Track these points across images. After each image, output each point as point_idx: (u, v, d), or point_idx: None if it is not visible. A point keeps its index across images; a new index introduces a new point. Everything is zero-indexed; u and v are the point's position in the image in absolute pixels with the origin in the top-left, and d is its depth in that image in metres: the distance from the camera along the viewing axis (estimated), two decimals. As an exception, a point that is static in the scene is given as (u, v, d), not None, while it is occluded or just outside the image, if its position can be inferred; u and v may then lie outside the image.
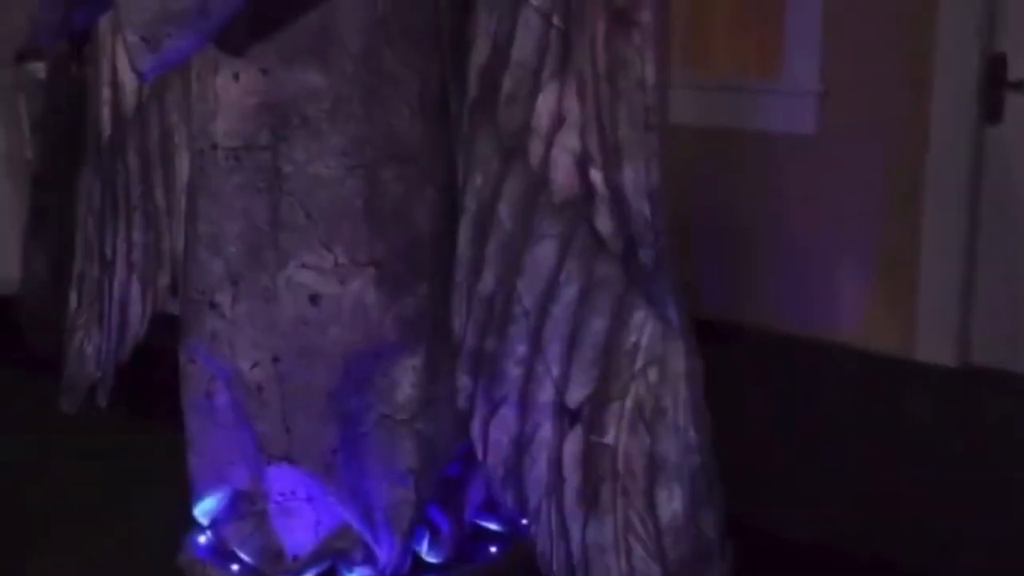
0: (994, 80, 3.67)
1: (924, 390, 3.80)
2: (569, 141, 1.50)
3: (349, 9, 1.62)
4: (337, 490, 1.75)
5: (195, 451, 1.89)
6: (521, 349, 1.58)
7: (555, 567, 1.57)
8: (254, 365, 1.72)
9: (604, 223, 1.48)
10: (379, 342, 1.70)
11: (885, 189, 3.87)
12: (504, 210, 1.57)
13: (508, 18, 1.53)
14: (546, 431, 1.57)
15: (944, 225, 3.80)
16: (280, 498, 1.81)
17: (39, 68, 4.34)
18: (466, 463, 1.86)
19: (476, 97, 1.59)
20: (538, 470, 1.59)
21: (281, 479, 1.79)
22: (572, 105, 1.48)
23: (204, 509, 1.93)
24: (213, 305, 1.74)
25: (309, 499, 1.80)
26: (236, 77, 1.66)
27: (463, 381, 1.66)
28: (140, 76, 1.51)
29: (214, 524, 1.94)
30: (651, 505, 1.50)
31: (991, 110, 3.70)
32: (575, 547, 1.55)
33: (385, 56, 1.65)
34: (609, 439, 1.52)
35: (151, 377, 2.59)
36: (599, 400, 1.53)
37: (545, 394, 1.57)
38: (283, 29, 1.62)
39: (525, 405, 1.59)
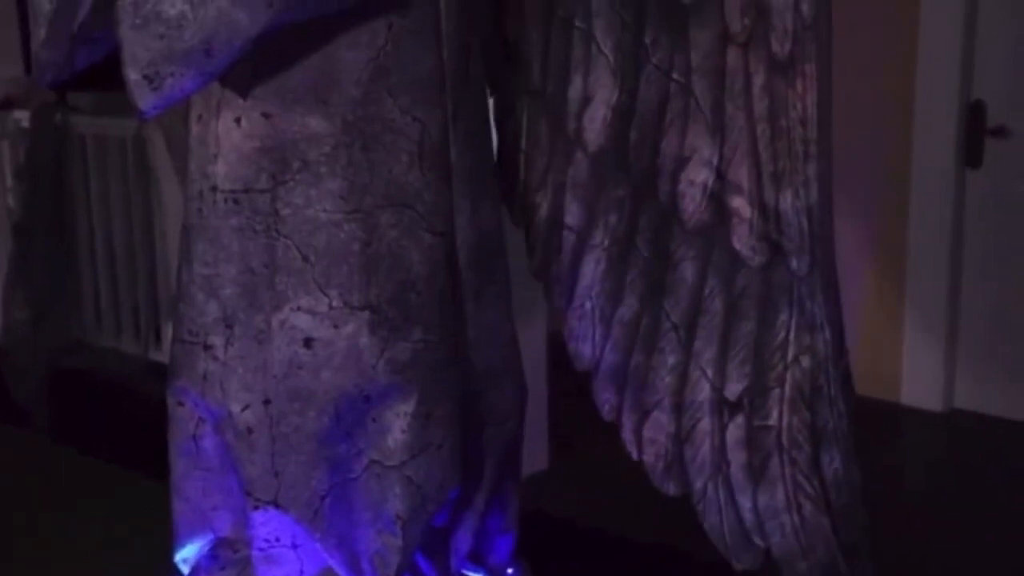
0: (973, 126, 3.72)
1: (910, 434, 3.80)
2: (697, 176, 1.72)
3: (351, 55, 1.64)
4: (323, 536, 1.73)
5: (179, 496, 1.86)
6: (672, 359, 1.80)
7: (727, 532, 1.80)
8: (245, 407, 1.71)
9: (740, 241, 1.70)
10: (371, 386, 1.69)
11: (870, 232, 3.90)
12: (641, 241, 1.80)
13: (633, 76, 1.74)
14: (705, 424, 1.79)
15: (928, 270, 3.83)
16: (264, 544, 1.79)
17: (23, 116, 4.35)
18: (454, 511, 1.85)
19: (603, 146, 1.79)
20: (701, 457, 1.80)
21: (266, 525, 1.77)
22: (700, 144, 1.71)
23: (185, 556, 1.90)
24: (207, 347, 1.73)
25: (294, 546, 1.78)
26: (238, 121, 1.67)
27: (605, 396, 1.86)
28: (141, 114, 1.52)
29: (194, 573, 1.91)
30: (816, 468, 1.72)
31: (971, 155, 3.75)
32: (746, 514, 1.78)
33: (386, 103, 1.67)
34: (772, 421, 1.74)
35: (135, 423, 2.56)
36: (758, 390, 1.75)
37: (702, 394, 1.79)
38: (286, 72, 1.63)
39: (680, 406, 1.81)
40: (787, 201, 1.65)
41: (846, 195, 3.79)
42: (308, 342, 1.68)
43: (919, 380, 3.85)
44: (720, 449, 1.78)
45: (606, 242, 1.82)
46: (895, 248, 3.84)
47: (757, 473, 1.76)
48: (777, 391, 1.73)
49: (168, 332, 3.17)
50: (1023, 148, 3.68)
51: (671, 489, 1.83)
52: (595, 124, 1.79)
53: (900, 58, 3.75)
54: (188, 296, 1.76)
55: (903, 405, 3.88)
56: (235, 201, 1.68)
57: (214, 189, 1.70)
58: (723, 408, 1.77)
